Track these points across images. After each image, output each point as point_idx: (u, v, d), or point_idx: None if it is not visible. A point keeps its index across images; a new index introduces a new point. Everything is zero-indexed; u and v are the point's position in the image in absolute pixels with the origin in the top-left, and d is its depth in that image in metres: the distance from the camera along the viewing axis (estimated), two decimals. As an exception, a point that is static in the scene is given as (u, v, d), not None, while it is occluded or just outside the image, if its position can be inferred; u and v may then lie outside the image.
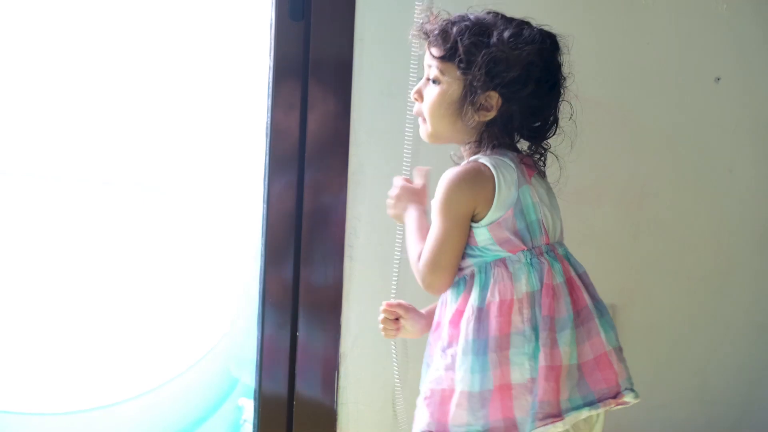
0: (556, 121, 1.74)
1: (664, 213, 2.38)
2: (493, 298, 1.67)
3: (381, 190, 2.13)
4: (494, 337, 1.66)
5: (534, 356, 1.66)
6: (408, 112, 2.02)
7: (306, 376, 2.30)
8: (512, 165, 1.70)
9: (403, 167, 2.09)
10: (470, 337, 1.66)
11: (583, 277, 1.75)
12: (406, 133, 2.07)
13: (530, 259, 1.69)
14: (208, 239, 2.79)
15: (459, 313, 1.69)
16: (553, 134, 1.74)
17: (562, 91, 1.73)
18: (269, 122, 2.28)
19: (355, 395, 2.30)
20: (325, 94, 2.26)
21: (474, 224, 1.69)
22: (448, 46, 1.68)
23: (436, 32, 1.71)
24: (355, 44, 2.25)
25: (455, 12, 1.73)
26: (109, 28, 2.55)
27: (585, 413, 1.69)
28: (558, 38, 1.71)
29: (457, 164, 1.74)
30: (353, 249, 2.27)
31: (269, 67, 2.27)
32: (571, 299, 1.70)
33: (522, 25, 1.70)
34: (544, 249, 1.71)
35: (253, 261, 2.44)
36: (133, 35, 2.57)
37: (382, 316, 1.85)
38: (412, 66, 2.09)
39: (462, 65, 1.67)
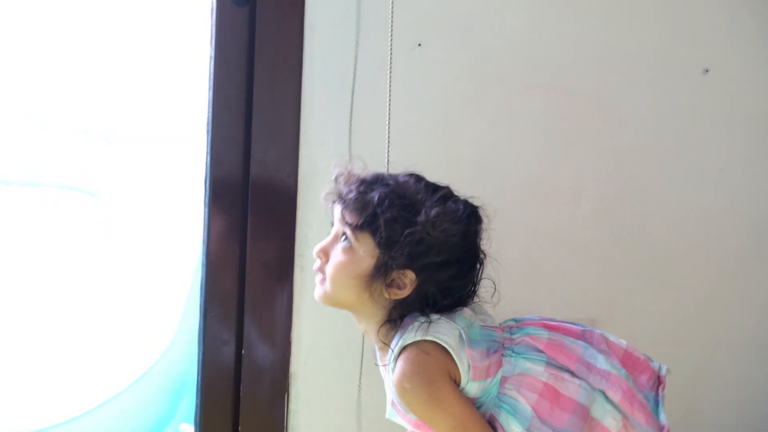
0: (474, 291, 1.65)
1: (649, 216, 2.32)
2: (532, 401, 1.58)
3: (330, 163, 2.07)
4: (570, 419, 1.57)
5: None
6: (365, 110, 1.99)
7: (252, 400, 2.19)
8: (446, 322, 1.59)
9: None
10: None
11: None
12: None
13: (512, 348, 1.62)
14: (147, 250, 2.78)
15: None
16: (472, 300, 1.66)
17: (480, 265, 1.64)
18: (211, 115, 2.17)
19: (307, 420, 2.21)
20: (272, 87, 2.16)
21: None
22: (366, 214, 1.58)
23: (352, 196, 1.60)
24: (305, 32, 2.15)
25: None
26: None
27: None
28: (480, 210, 1.63)
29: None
30: (304, 259, 2.15)
31: (210, 57, 2.17)
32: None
33: (446, 197, 1.60)
34: (508, 333, 1.65)
35: (195, 271, 2.36)
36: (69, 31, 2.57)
37: None
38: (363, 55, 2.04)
39: (380, 241, 1.57)
